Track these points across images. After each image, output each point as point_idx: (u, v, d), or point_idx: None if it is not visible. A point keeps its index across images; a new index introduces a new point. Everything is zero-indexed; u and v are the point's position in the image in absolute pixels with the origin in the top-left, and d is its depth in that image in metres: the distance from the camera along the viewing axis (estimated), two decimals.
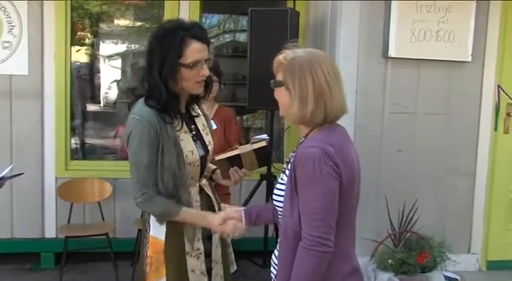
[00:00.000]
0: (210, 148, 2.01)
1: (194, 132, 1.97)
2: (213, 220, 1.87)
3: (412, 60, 3.38)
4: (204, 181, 2.03)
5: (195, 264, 1.91)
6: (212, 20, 5.36)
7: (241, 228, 1.84)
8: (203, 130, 2.02)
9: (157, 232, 1.90)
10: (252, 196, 3.42)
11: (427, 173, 3.49)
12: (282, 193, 1.62)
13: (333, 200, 1.51)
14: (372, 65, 3.35)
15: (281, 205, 1.63)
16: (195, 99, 2.00)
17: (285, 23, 3.20)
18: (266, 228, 3.52)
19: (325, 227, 1.49)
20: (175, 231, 1.89)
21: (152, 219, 1.91)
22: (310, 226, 1.50)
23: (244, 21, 5.32)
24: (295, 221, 1.54)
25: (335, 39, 3.39)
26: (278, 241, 1.65)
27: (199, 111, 2.06)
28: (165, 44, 1.79)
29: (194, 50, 1.81)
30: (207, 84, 1.95)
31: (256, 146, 1.99)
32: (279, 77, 1.62)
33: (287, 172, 1.62)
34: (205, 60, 1.86)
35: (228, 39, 5.64)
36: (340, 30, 3.32)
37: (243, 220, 1.84)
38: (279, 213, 1.65)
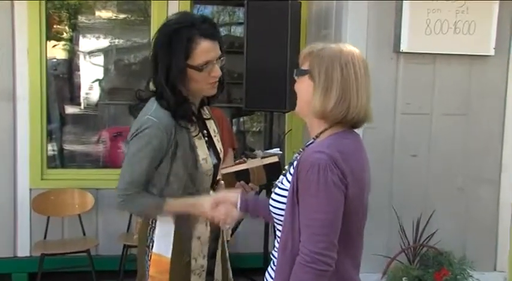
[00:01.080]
0: (221, 155, 2.03)
1: (207, 138, 1.98)
2: (203, 203, 1.85)
3: (427, 55, 3.36)
4: (212, 192, 2.03)
5: None
6: (204, 11, 5.36)
7: (234, 214, 1.83)
8: (214, 136, 2.03)
9: (162, 248, 1.90)
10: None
11: (445, 181, 3.47)
12: (282, 199, 1.60)
13: (337, 214, 1.49)
14: (381, 61, 3.34)
15: (280, 213, 1.61)
16: (207, 101, 2.00)
17: (285, 16, 3.19)
18: (266, 243, 3.49)
19: (326, 242, 1.47)
20: (183, 248, 1.90)
21: (157, 234, 1.90)
22: (310, 240, 1.48)
23: (240, 13, 5.32)
24: (296, 233, 1.52)
25: (341, 33, 3.37)
26: (273, 255, 1.64)
27: (210, 114, 2.07)
28: (170, 47, 1.79)
29: (204, 50, 1.81)
30: (221, 83, 1.95)
31: (266, 161, 2.03)
32: (305, 66, 1.63)
33: (289, 176, 1.61)
34: (217, 59, 1.86)
35: (223, 33, 5.62)
36: (347, 23, 3.30)
37: (238, 205, 1.82)
38: (278, 223, 1.63)
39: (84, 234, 3.81)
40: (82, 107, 5.26)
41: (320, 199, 1.47)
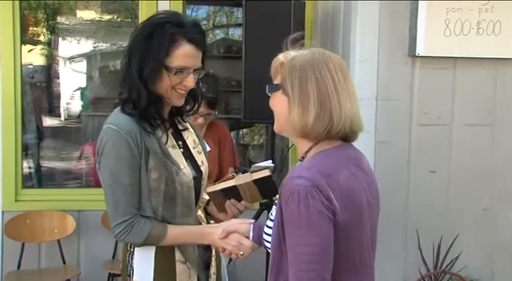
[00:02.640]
0: (203, 169, 2.03)
1: (182, 149, 1.99)
2: (212, 233, 1.87)
3: (446, 58, 3.38)
4: (199, 212, 2.05)
5: None
6: (199, 12, 5.41)
7: (247, 245, 1.84)
8: (194, 148, 2.05)
9: (143, 276, 1.90)
10: None
11: (469, 200, 3.47)
12: (272, 224, 1.60)
13: (326, 245, 1.46)
14: (395, 66, 3.36)
15: (268, 239, 1.61)
16: (177, 112, 2.02)
17: (287, 17, 3.21)
18: (268, 271, 3.49)
19: (315, 279, 1.45)
20: (167, 274, 1.90)
21: (136, 260, 1.91)
22: (297, 277, 1.46)
23: (239, 13, 5.37)
24: (284, 269, 1.50)
25: (349, 36, 3.39)
26: None
27: (188, 126, 2.08)
28: (151, 40, 1.81)
29: (184, 54, 1.83)
30: (194, 98, 1.99)
31: (256, 176, 2.00)
32: (277, 80, 1.62)
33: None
34: (194, 70, 1.88)
35: (219, 37, 5.68)
36: (356, 24, 3.33)
37: (250, 234, 1.83)
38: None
39: (64, 262, 3.81)
40: (62, 118, 5.29)
41: (303, 230, 1.44)
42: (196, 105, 2.03)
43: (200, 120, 2.90)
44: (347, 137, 1.60)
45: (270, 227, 1.63)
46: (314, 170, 1.49)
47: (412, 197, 3.42)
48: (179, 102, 1.93)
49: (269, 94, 1.65)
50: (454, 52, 3.36)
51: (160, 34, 1.81)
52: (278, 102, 1.61)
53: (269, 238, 1.62)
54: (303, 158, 1.61)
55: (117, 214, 1.84)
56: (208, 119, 3.03)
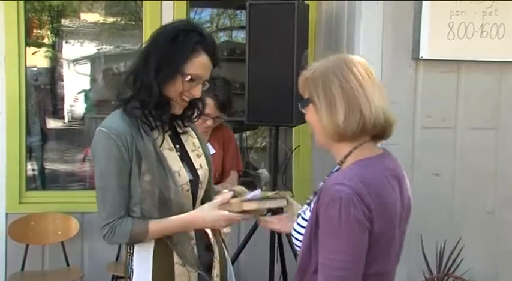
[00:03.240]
0: (200, 172, 2.04)
1: (179, 152, 2.00)
2: (194, 218, 1.90)
3: (450, 62, 3.38)
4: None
5: None
6: (202, 15, 5.42)
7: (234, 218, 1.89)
8: (193, 151, 2.06)
9: (142, 278, 1.92)
10: (255, 230, 3.41)
11: (474, 204, 3.46)
12: (302, 230, 1.62)
13: (359, 255, 1.48)
14: (399, 69, 3.36)
15: (298, 244, 1.63)
16: (178, 116, 2.04)
17: (291, 19, 3.21)
18: (271, 273, 3.50)
19: None
20: (166, 277, 1.92)
21: (135, 262, 1.93)
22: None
23: (242, 16, 5.37)
24: (311, 270, 1.53)
25: (353, 38, 3.39)
26: None
27: (190, 129, 2.10)
28: (174, 43, 1.87)
29: (201, 63, 1.90)
30: (197, 106, 2.03)
31: (272, 205, 2.00)
32: (305, 94, 1.66)
33: (312, 205, 1.61)
34: (204, 81, 1.94)
35: (223, 39, 5.69)
36: (360, 27, 3.33)
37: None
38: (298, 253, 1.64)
39: (67, 264, 3.82)
40: (66, 121, 5.30)
41: (340, 238, 1.46)
42: (198, 113, 2.05)
43: (209, 122, 2.91)
44: (384, 130, 1.63)
45: (301, 226, 1.64)
46: (356, 179, 1.50)
47: (416, 200, 3.37)
48: (180, 110, 1.97)
49: (303, 111, 1.68)
50: (457, 55, 3.36)
51: (185, 40, 1.87)
52: (311, 116, 1.64)
53: (298, 236, 1.64)
54: (341, 162, 1.63)
55: (103, 216, 1.88)
56: (218, 122, 3.03)
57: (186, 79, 1.88)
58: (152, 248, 1.92)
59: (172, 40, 1.87)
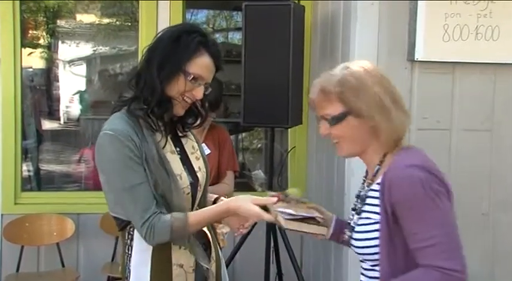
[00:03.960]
0: (199, 175, 2.04)
1: (180, 155, 2.01)
2: (233, 207, 1.85)
3: (446, 63, 3.38)
4: None
5: None
6: (198, 16, 5.42)
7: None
8: (192, 153, 2.07)
9: (140, 279, 1.91)
10: (250, 231, 3.41)
11: (468, 206, 3.46)
12: (369, 234, 1.62)
13: (455, 224, 1.56)
14: (394, 71, 3.35)
15: (369, 252, 1.63)
16: (179, 120, 2.04)
17: (287, 21, 3.23)
18: (267, 273, 3.50)
19: (462, 258, 1.55)
20: (163, 278, 1.91)
21: (133, 263, 1.92)
22: (442, 257, 1.51)
23: (238, 17, 5.38)
24: (398, 264, 1.55)
25: (348, 40, 3.40)
26: None
27: (190, 133, 2.11)
28: (177, 43, 1.89)
29: (204, 64, 1.91)
30: (198, 111, 2.03)
31: (312, 231, 1.88)
32: (336, 108, 1.62)
33: (369, 208, 1.63)
34: (206, 83, 1.95)
35: (219, 40, 5.69)
36: (355, 28, 3.33)
37: (332, 225, 1.91)
38: (368, 263, 1.66)
39: (63, 265, 3.82)
40: (62, 122, 5.30)
41: (436, 212, 1.52)
42: (201, 120, 2.05)
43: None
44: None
45: (361, 232, 1.65)
46: (419, 159, 1.59)
47: None
48: (181, 111, 1.96)
49: (331, 125, 1.65)
50: (452, 57, 3.36)
51: (187, 40, 1.88)
52: (351, 128, 1.63)
53: (365, 243, 1.64)
54: (381, 162, 1.65)
55: (137, 216, 1.83)
56: (207, 121, 3.00)
57: (189, 78, 1.88)
58: (151, 250, 1.90)
59: (176, 40, 1.89)
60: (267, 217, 1.81)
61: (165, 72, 1.87)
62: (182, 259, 1.93)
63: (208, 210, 1.92)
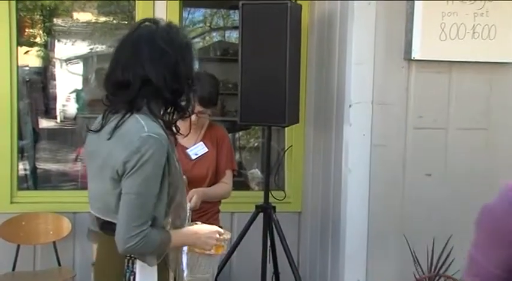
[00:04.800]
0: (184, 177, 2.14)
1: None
2: (199, 232, 2.08)
3: (442, 62, 3.39)
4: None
5: None
6: (196, 14, 5.42)
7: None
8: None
9: (146, 279, 1.91)
10: (247, 230, 3.42)
11: (464, 204, 3.48)
12: None
13: None
14: (391, 70, 3.37)
15: None
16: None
17: (283, 20, 3.22)
18: (263, 277, 3.50)
19: None
20: (164, 278, 1.95)
21: (140, 266, 1.89)
22: None
23: (235, 16, 5.38)
24: None
25: (345, 39, 3.41)
26: None
27: None
28: (190, 52, 1.97)
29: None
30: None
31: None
32: None
33: None
34: None
35: (216, 39, 5.69)
36: (352, 27, 3.34)
37: None
38: None
39: (59, 264, 3.81)
40: (58, 120, 5.29)
41: None
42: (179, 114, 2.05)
43: (193, 117, 2.86)
44: None
45: None
46: None
47: (407, 200, 3.44)
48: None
49: None
50: (449, 56, 3.37)
51: (190, 51, 1.99)
52: None
53: None
54: None
55: (137, 223, 1.81)
56: (202, 118, 2.96)
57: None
58: (156, 270, 1.93)
59: (187, 48, 1.96)
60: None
61: (184, 78, 1.93)
62: (171, 260, 2.01)
63: (184, 231, 2.04)
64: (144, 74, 1.85)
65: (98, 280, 2.04)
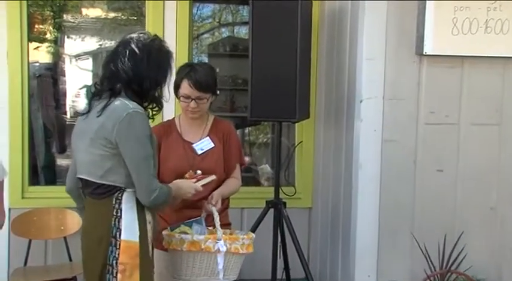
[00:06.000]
0: None
1: None
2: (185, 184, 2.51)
3: (454, 57, 3.38)
4: None
5: (152, 266, 2.38)
6: (204, 10, 5.40)
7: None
8: None
9: (131, 234, 2.22)
10: (257, 226, 3.42)
11: (476, 200, 3.47)
12: None
13: None
14: (402, 65, 3.36)
15: None
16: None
17: (294, 15, 3.21)
18: (274, 269, 3.50)
19: None
20: (144, 232, 2.27)
21: (124, 222, 2.22)
22: None
23: (245, 11, 5.36)
24: None
25: (356, 34, 3.40)
26: None
27: None
28: (170, 58, 2.38)
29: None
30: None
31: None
32: None
33: None
34: None
35: (225, 35, 5.68)
36: (363, 23, 3.33)
37: None
38: None
39: (70, 259, 3.82)
40: (68, 116, 5.29)
41: None
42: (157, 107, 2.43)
43: (192, 104, 2.82)
44: None
45: None
46: None
47: (418, 196, 3.43)
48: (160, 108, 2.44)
49: None
50: (462, 51, 3.36)
51: (171, 56, 2.41)
52: None
53: None
54: None
55: (151, 180, 2.22)
56: (202, 104, 2.91)
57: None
58: (136, 211, 2.24)
59: (170, 55, 2.39)
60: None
61: (164, 81, 2.34)
62: (150, 217, 2.33)
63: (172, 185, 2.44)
64: (116, 69, 2.27)
65: (88, 239, 2.32)
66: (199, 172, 2.70)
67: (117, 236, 2.22)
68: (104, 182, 2.24)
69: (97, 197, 2.27)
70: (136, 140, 2.19)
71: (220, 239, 2.46)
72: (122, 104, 2.21)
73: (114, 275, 2.21)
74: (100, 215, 2.26)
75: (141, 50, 2.27)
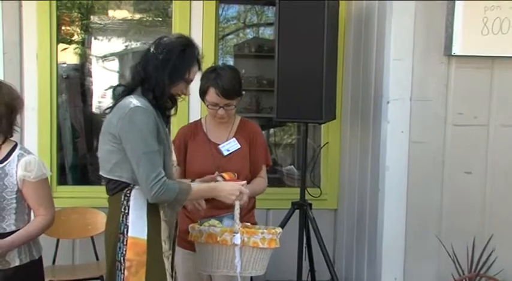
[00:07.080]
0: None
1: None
2: (218, 187, 2.44)
3: (484, 58, 3.34)
4: None
5: (167, 265, 2.33)
6: (229, 11, 5.42)
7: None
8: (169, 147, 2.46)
9: (138, 231, 2.26)
10: (283, 227, 3.40)
11: (505, 202, 3.42)
12: None
13: None
14: (430, 66, 3.33)
15: None
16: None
17: (321, 16, 3.20)
18: (300, 270, 3.50)
19: None
20: (155, 230, 2.29)
21: (132, 219, 2.26)
22: None
23: (269, 12, 5.37)
24: None
25: (384, 35, 3.37)
26: None
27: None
28: (183, 57, 2.34)
29: (196, 70, 2.43)
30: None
31: None
32: None
33: None
34: None
35: (250, 36, 5.69)
36: (391, 22, 3.31)
37: None
38: None
39: (97, 258, 3.86)
40: (95, 116, 5.35)
41: None
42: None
43: (220, 111, 2.84)
44: None
45: None
46: None
47: (446, 198, 3.39)
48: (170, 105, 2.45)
49: None
50: (491, 51, 3.31)
51: (189, 53, 2.37)
52: None
53: None
54: None
55: (154, 175, 2.20)
56: (229, 111, 2.92)
57: (188, 83, 2.38)
58: (146, 208, 2.28)
59: (182, 53, 2.33)
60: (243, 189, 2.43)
61: (174, 80, 2.33)
62: (167, 215, 2.34)
63: (204, 185, 2.48)
64: (136, 69, 2.37)
65: (105, 234, 2.40)
66: (223, 174, 2.68)
67: (125, 232, 2.26)
68: (111, 177, 2.29)
69: (109, 192, 2.34)
70: (137, 135, 2.21)
71: (237, 232, 2.43)
72: (128, 101, 2.25)
73: (122, 271, 2.26)
74: (111, 211, 2.34)
75: (156, 48, 2.33)
